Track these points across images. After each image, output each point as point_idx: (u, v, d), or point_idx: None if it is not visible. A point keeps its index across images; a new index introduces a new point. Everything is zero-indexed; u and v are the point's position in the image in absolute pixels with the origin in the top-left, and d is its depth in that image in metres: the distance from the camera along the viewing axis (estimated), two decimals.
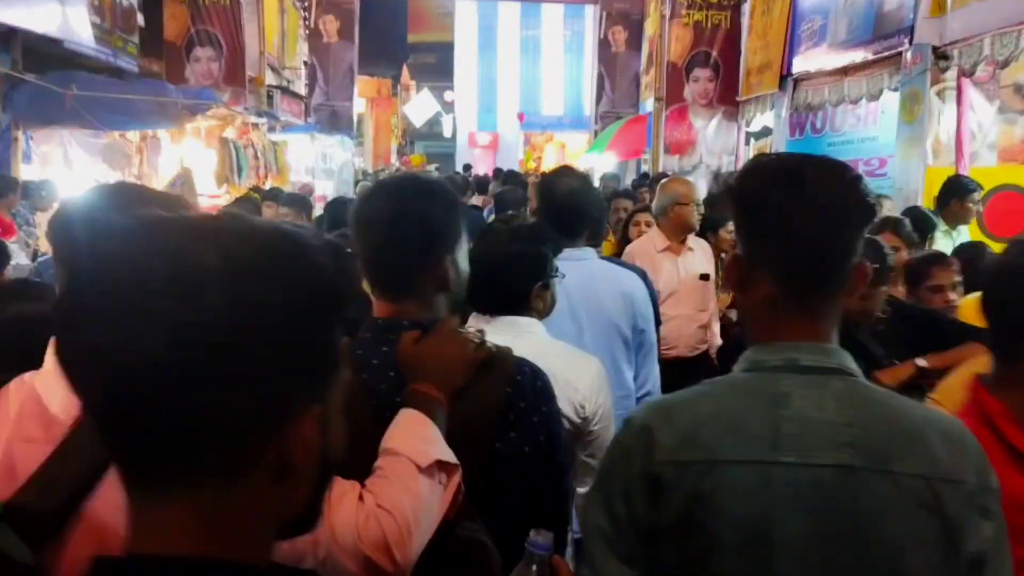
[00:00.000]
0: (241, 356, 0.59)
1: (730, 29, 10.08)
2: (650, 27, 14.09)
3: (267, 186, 9.08)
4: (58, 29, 6.39)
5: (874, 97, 6.17)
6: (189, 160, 7.14)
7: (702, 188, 10.64)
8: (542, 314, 1.88)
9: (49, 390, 1.13)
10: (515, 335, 1.65)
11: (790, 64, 7.91)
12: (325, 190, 12.76)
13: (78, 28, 6.62)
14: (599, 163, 15.32)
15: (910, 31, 5.51)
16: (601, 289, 2.39)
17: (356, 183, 18.58)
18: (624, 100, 17.33)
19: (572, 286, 2.16)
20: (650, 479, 1.05)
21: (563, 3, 21.79)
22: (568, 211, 2.44)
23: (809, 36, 7.43)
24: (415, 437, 1.17)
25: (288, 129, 12.10)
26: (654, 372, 2.55)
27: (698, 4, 10.01)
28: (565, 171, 2.67)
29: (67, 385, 0.61)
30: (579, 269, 2.24)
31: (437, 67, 33.68)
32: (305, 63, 16.47)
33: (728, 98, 10.03)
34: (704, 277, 3.76)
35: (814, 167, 1.08)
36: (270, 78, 14.75)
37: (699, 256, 3.80)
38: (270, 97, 14.05)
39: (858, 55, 6.33)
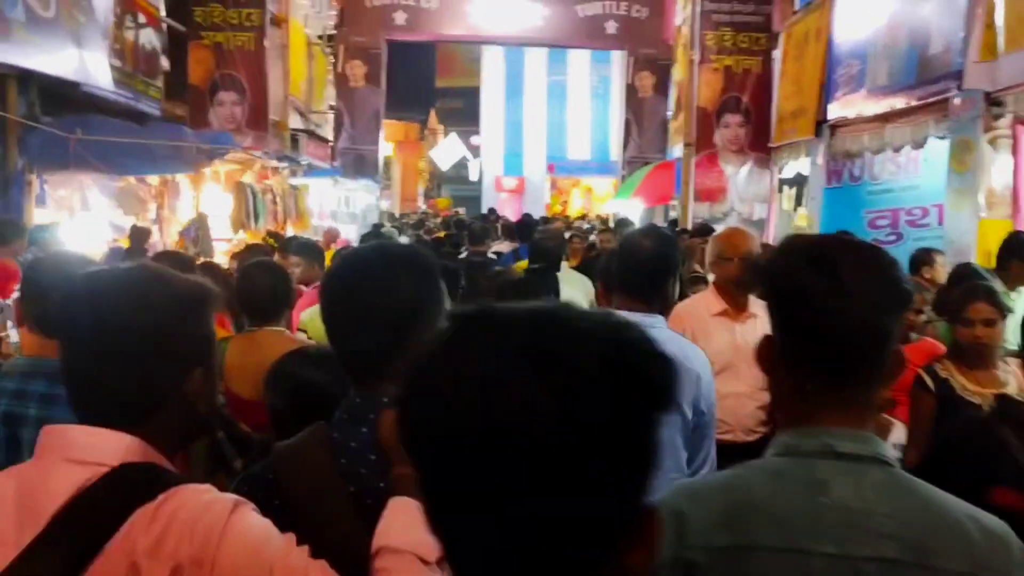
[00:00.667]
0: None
1: (761, 74, 9.85)
2: (678, 72, 13.92)
3: (288, 230, 8.93)
4: (75, 72, 6.29)
5: (919, 145, 5.85)
6: (206, 205, 6.98)
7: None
8: None
9: None
10: None
11: (826, 110, 7.62)
12: (348, 234, 12.62)
13: (96, 71, 6.53)
14: (625, 209, 15.06)
15: (958, 76, 5.20)
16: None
17: (381, 227, 18.56)
18: (651, 145, 17.11)
19: None
20: (683, 565, 1.02)
21: (590, 48, 21.78)
22: (648, 277, 2.33)
23: (846, 81, 7.15)
24: (414, 528, 1.02)
25: (310, 173, 12.00)
26: (711, 455, 2.37)
27: (728, 49, 9.80)
28: (648, 232, 2.51)
29: None
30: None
31: (464, 111, 33.97)
32: (332, 107, 16.50)
33: (760, 144, 9.75)
34: None
35: (848, 251, 1.06)
36: (296, 122, 14.77)
37: (763, 323, 3.22)
38: (295, 141, 14.03)
39: (900, 101, 6.03)
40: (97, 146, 5.84)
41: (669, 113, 16.34)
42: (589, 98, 27.92)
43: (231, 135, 7.69)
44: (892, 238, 7.62)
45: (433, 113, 38.55)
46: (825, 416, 1.04)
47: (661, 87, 16.64)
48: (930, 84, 5.53)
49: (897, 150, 6.28)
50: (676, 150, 14.94)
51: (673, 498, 1.07)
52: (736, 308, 3.14)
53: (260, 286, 2.92)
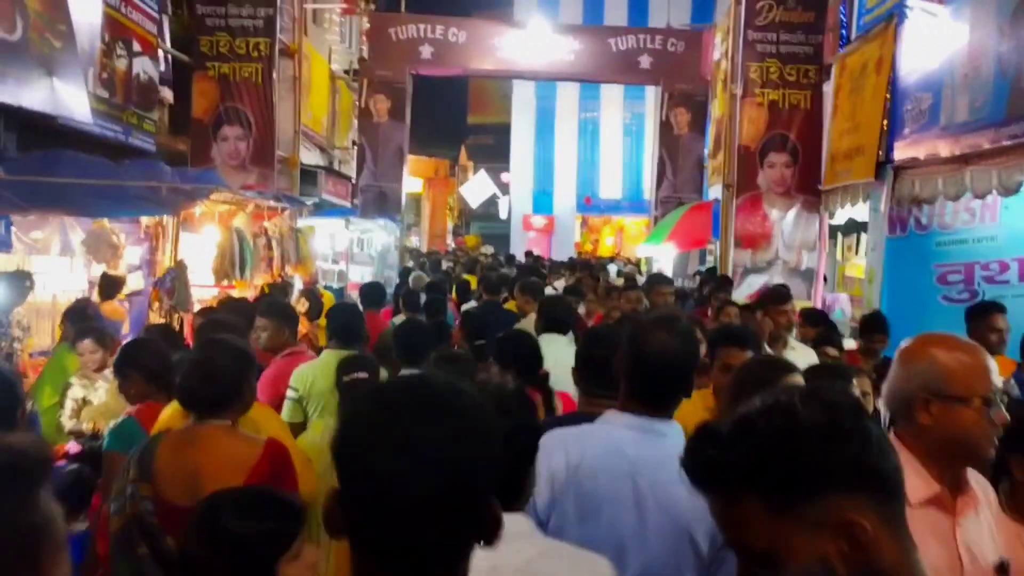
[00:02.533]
0: None
1: (810, 110, 9.00)
2: (717, 108, 13.14)
3: (291, 276, 8.21)
4: (46, 103, 5.67)
5: (1010, 191, 4.94)
6: (189, 250, 6.28)
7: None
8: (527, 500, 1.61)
9: None
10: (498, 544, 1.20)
11: (890, 149, 6.73)
12: (363, 276, 11.92)
13: (72, 103, 5.90)
14: (658, 254, 14.21)
15: None
16: (680, 479, 1.60)
17: (405, 268, 17.88)
18: (687, 185, 16.33)
19: (643, 466, 1.85)
20: None
21: (623, 84, 21.15)
22: (660, 377, 2.00)
23: (916, 117, 6.27)
24: None
25: (321, 212, 11.36)
26: None
27: (774, 82, 8.98)
28: (664, 323, 2.12)
29: None
30: (655, 447, 1.82)
31: (495, 148, 33.57)
32: (354, 143, 15.98)
33: (808, 187, 8.86)
34: None
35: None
36: (315, 158, 14.20)
37: None
38: (313, 178, 13.45)
39: (985, 139, 5.14)
40: (63, 186, 5.16)
41: (706, 151, 15.58)
42: (621, 135, 27.33)
43: (217, 173, 7.02)
44: (966, 295, 6.69)
45: (464, 149, 38.30)
46: None
47: (697, 124, 15.91)
48: None
49: (981, 196, 5.37)
50: (713, 191, 14.11)
51: None
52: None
53: (206, 374, 2.46)
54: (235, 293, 6.43)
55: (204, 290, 6.35)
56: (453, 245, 32.95)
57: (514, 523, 1.31)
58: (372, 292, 6.65)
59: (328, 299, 7.77)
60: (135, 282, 6.21)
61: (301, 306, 6.44)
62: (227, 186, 6.48)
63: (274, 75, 8.98)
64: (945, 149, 5.74)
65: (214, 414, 2.42)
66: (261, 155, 8.89)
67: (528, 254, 21.79)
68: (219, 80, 9.00)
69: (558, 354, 3.78)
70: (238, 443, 2.39)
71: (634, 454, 1.81)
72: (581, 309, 6.92)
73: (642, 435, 1.85)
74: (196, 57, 9.01)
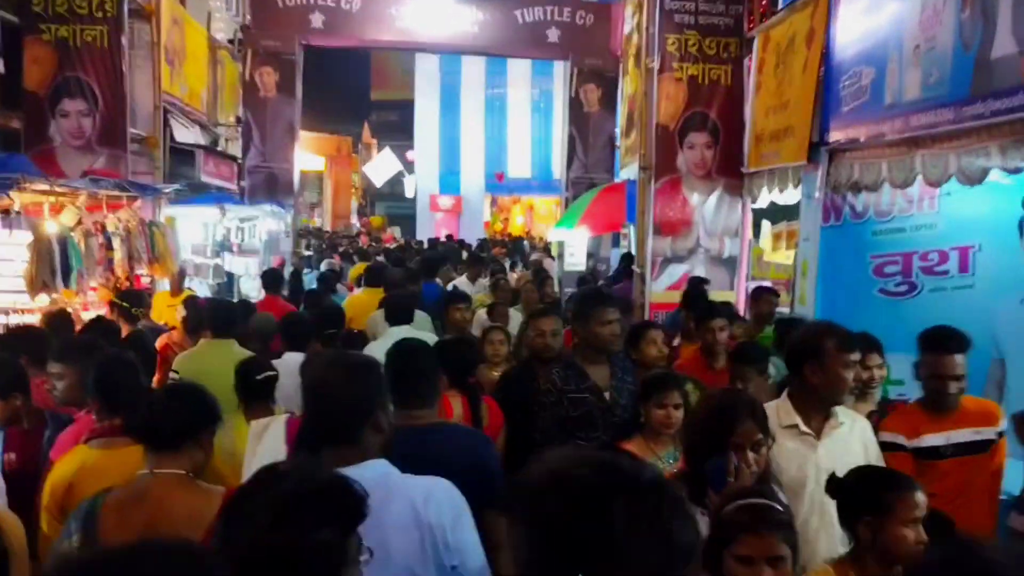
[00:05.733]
0: None
1: (731, 86, 8.34)
2: (629, 85, 12.48)
3: (145, 277, 7.00)
4: None
5: (973, 179, 4.32)
6: None
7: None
8: None
9: None
10: None
11: (825, 130, 6.10)
12: (247, 268, 10.69)
13: None
14: (571, 238, 13.48)
15: None
16: (391, 523, 1.83)
17: (303, 250, 16.58)
18: (598, 165, 15.69)
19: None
20: None
21: (530, 58, 20.31)
22: (335, 417, 2.00)
23: (855, 95, 5.64)
24: None
25: (201, 198, 10.05)
26: None
27: (693, 55, 8.27)
28: (332, 363, 2.15)
29: None
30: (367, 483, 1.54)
31: (400, 125, 32.23)
32: (238, 119, 14.53)
33: (730, 169, 8.22)
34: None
35: (625, 496, 0.99)
36: (195, 136, 12.75)
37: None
38: (190, 157, 12.03)
39: (941, 119, 4.51)
40: None
41: (617, 130, 14.94)
42: (530, 113, 26.53)
43: (26, 159, 5.75)
44: (904, 287, 6.18)
45: (367, 126, 36.70)
46: None
47: (608, 102, 15.25)
48: (995, 99, 4.02)
49: (936, 184, 4.76)
50: (626, 171, 13.48)
51: None
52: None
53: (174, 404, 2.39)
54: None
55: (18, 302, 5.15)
56: (358, 226, 31.53)
57: None
58: (272, 277, 7.48)
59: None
60: None
61: (178, 315, 5.47)
62: (39, 174, 5.25)
63: (123, 39, 7.62)
64: (891, 130, 5.12)
65: (177, 448, 2.26)
66: (110, 134, 7.56)
67: (449, 238, 20.73)
68: (56, 45, 7.58)
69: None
70: (195, 497, 2.19)
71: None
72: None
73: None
74: (28, 18, 7.56)
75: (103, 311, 5.46)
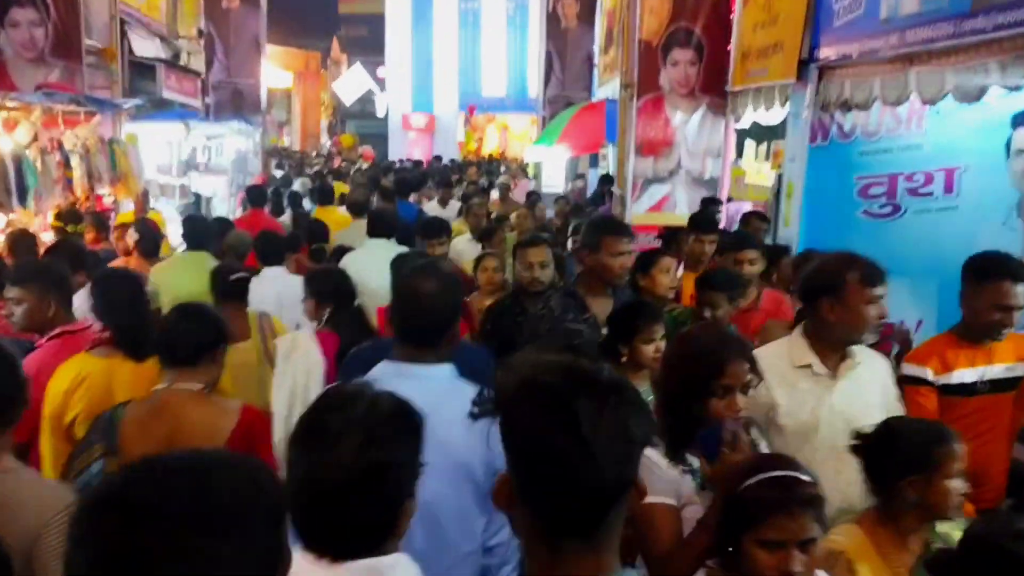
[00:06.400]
0: None
1: (717, 0, 8.04)
2: None
3: (107, 198, 6.71)
4: None
5: (969, 96, 4.20)
6: None
7: (682, 201, 8.67)
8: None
9: None
10: None
11: (815, 47, 5.90)
12: (215, 189, 10.36)
13: None
14: (548, 157, 13.25)
15: None
16: (450, 418, 1.79)
17: (273, 170, 16.11)
18: (576, 83, 15.34)
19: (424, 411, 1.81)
20: None
21: None
22: (427, 321, 2.16)
23: (848, 8, 5.42)
24: None
25: (163, 114, 9.63)
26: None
27: None
28: (426, 271, 2.27)
29: None
30: (422, 390, 1.72)
31: (370, 40, 31.18)
32: (200, 32, 13.89)
33: (715, 87, 8.00)
34: None
35: (589, 398, 1.06)
36: (155, 49, 12.16)
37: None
38: (149, 71, 11.50)
39: (939, 35, 4.35)
40: None
41: (595, 47, 14.53)
42: (505, 28, 25.72)
43: None
44: (888, 209, 6.12)
45: (336, 41, 35.43)
46: (578, 567, 1.08)
47: (586, 16, 14.81)
48: (997, 12, 3.86)
49: (931, 102, 4.62)
50: (603, 90, 13.15)
51: None
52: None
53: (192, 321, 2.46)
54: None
55: None
56: (328, 145, 30.80)
57: (395, 571, 1.39)
58: (257, 192, 7.76)
59: (160, 221, 6.45)
60: None
61: (130, 239, 5.18)
62: None
63: None
64: (885, 46, 4.94)
65: (193, 365, 2.36)
66: (64, 45, 7.11)
67: (437, 159, 20.17)
68: None
69: (382, 263, 3.85)
70: (211, 411, 2.28)
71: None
72: None
73: (408, 380, 1.90)
74: None
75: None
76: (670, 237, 5.78)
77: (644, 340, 2.94)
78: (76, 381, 2.60)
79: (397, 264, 3.76)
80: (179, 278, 4.20)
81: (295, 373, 3.11)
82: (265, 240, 4.86)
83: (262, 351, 3.58)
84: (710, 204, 7.08)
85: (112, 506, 0.86)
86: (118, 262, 5.02)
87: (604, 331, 3.22)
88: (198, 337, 2.40)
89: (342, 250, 5.28)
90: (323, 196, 8.12)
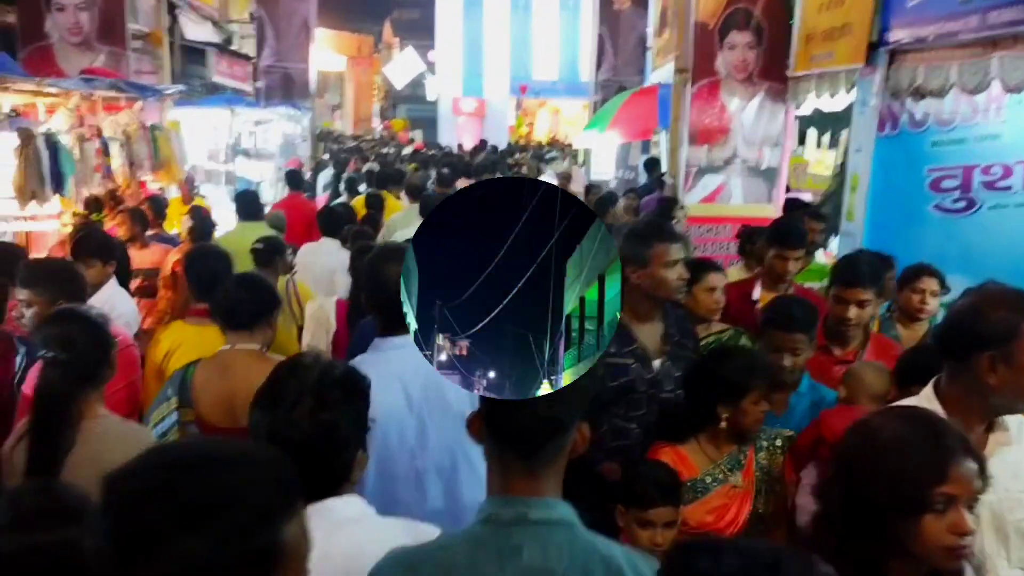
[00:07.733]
0: None
1: None
2: None
3: (150, 184, 6.67)
4: None
5: None
6: None
7: (737, 191, 8.30)
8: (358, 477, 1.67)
9: None
10: (330, 531, 1.46)
11: (885, 29, 5.50)
12: (261, 175, 10.34)
13: None
14: (599, 143, 12.93)
15: None
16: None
17: (322, 158, 16.09)
18: (629, 67, 14.95)
19: (408, 375, 2.13)
20: None
21: None
22: (390, 301, 2.13)
23: None
24: None
25: (213, 99, 9.61)
26: None
27: None
28: (394, 254, 2.32)
29: None
30: (413, 354, 1.68)
31: (421, 24, 31.04)
32: (252, 16, 13.89)
33: (774, 72, 7.61)
34: None
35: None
36: (207, 34, 12.19)
37: None
38: (200, 56, 11.52)
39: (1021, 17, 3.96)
40: None
41: (649, 29, 14.12)
42: (558, 11, 25.32)
43: (9, 57, 5.31)
44: (961, 204, 5.71)
45: (388, 25, 35.41)
46: (521, 487, 1.34)
47: None
48: None
49: (1015, 90, 4.24)
50: (657, 74, 12.75)
51: (388, 569, 1.35)
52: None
53: (249, 288, 2.73)
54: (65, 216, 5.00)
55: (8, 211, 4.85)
56: (380, 129, 30.85)
57: (346, 507, 1.58)
58: (294, 176, 8.36)
59: (205, 208, 6.43)
60: None
61: (184, 226, 5.27)
62: (21, 73, 4.86)
63: None
64: (965, 28, 4.55)
65: (250, 329, 2.63)
66: (110, 29, 7.09)
67: (483, 144, 19.98)
68: None
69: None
70: (268, 367, 2.26)
71: (398, 369, 2.12)
72: None
73: (398, 351, 2.16)
74: None
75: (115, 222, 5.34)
76: (747, 237, 4.90)
77: (754, 400, 2.41)
78: (175, 345, 3.03)
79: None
80: (235, 245, 4.54)
81: (315, 331, 3.97)
82: (326, 214, 5.70)
83: (288, 312, 4.19)
84: (796, 209, 5.78)
85: (111, 488, 0.95)
86: (174, 253, 5.00)
87: (655, 363, 2.72)
88: (254, 305, 2.66)
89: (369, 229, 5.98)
90: (383, 181, 8.86)
